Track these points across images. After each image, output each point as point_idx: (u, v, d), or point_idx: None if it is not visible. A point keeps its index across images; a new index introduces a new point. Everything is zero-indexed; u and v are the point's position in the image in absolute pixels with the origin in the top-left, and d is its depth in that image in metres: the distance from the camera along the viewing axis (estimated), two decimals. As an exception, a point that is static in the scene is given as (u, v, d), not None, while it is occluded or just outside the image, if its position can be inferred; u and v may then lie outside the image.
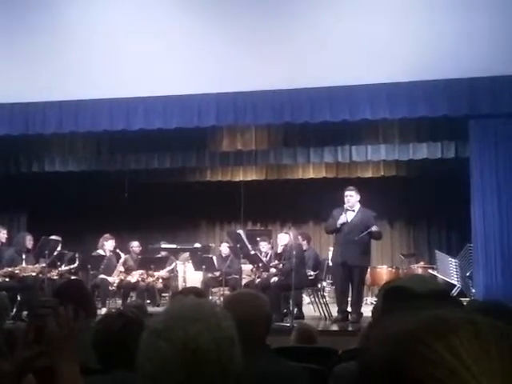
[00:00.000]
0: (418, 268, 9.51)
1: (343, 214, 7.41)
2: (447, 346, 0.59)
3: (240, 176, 11.03)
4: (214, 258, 9.19)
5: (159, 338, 1.16)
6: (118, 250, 8.96)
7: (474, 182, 7.43)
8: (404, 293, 1.40)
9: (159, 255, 9.45)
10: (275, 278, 7.74)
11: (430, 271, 9.18)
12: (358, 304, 7.33)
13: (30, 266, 7.98)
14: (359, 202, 7.59)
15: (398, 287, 1.47)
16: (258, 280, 8.10)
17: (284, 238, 8.11)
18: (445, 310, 0.64)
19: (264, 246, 8.84)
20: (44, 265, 7.96)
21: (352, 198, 7.45)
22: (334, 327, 7.22)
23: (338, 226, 7.43)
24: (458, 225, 10.44)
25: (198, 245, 10.21)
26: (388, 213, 11.26)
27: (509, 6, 7.06)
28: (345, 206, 7.44)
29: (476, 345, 0.59)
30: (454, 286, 8.33)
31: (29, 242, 8.27)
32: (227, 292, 8.44)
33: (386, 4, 7.37)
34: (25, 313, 7.38)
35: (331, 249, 9.75)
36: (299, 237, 8.47)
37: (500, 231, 7.22)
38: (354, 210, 7.46)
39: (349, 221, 7.39)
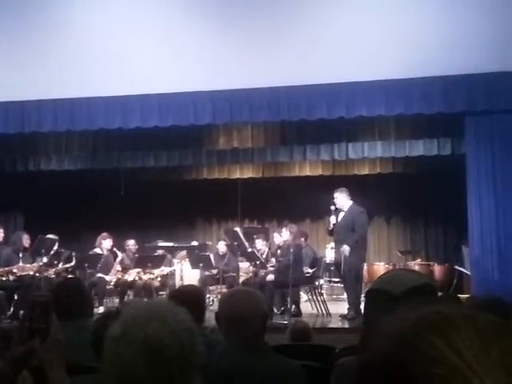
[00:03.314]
0: (415, 265, 9.52)
1: (332, 216, 7.62)
2: (448, 343, 0.59)
3: (237, 174, 11.02)
4: (211, 256, 9.18)
5: (119, 344, 1.17)
6: (114, 249, 8.95)
7: (470, 178, 7.44)
8: (381, 295, 1.41)
9: (156, 253, 9.44)
10: (272, 276, 7.75)
11: (457, 267, 9.21)
12: (354, 301, 7.35)
13: (28, 265, 7.97)
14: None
15: (375, 290, 1.47)
16: (255, 278, 8.11)
17: (283, 235, 8.16)
18: (446, 307, 0.64)
19: (260, 244, 8.85)
20: (41, 264, 7.94)
21: (337, 199, 7.61)
22: (333, 324, 7.24)
23: (330, 228, 7.71)
24: (454, 221, 10.46)
25: (195, 243, 10.21)
26: (385, 210, 11.28)
27: (504, 2, 7.06)
28: (332, 207, 7.57)
29: (477, 341, 0.58)
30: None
31: (26, 241, 8.26)
32: (224, 290, 8.45)
33: (381, 1, 7.37)
34: (22, 312, 7.37)
35: (328, 246, 9.81)
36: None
37: (496, 227, 7.23)
38: (344, 210, 7.57)
39: (338, 221, 7.52)
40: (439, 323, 0.61)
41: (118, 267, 8.82)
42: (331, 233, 7.82)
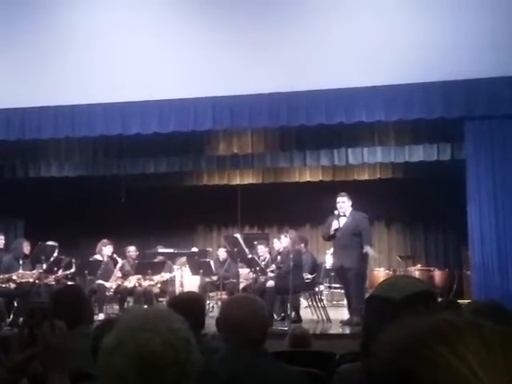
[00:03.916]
0: (416, 270, 9.51)
1: (335, 221, 7.52)
2: (454, 351, 0.59)
3: (237, 180, 11.03)
4: (212, 263, 9.17)
5: (112, 355, 1.17)
6: (115, 255, 8.93)
7: (470, 183, 7.44)
8: (381, 302, 1.40)
9: (156, 260, 9.43)
10: (272, 282, 7.74)
11: (466, 272, 9.17)
12: (359, 307, 7.31)
13: (28, 272, 7.96)
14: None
15: (375, 296, 1.47)
16: (255, 284, 8.10)
17: (282, 241, 8.14)
18: (450, 314, 0.64)
19: (262, 250, 8.85)
20: (41, 270, 7.93)
21: (344, 204, 7.58)
22: (333, 330, 7.23)
23: (332, 232, 7.56)
24: (454, 226, 10.46)
25: (195, 249, 10.19)
26: (385, 215, 11.28)
27: (504, 7, 7.08)
28: (335, 212, 7.53)
29: (482, 349, 0.59)
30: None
31: (26, 247, 8.26)
32: (225, 296, 8.43)
33: (382, 7, 7.38)
34: (21, 319, 7.34)
35: (328, 252, 9.79)
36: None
37: (496, 232, 7.23)
38: (345, 215, 7.55)
39: (341, 226, 7.48)
40: (445, 331, 0.61)
41: (119, 273, 8.80)
42: (331, 238, 7.74)
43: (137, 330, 1.18)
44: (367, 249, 7.37)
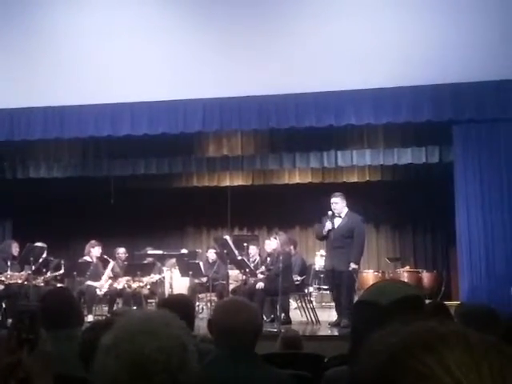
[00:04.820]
0: (404, 272, 9.55)
1: (328, 221, 7.43)
2: (438, 360, 0.59)
3: (226, 181, 11.03)
4: (201, 264, 9.15)
5: (108, 355, 1.16)
6: (105, 256, 8.89)
7: (458, 186, 7.50)
8: (368, 307, 1.42)
9: (145, 261, 9.39)
10: (262, 284, 7.75)
11: None
12: (349, 309, 7.30)
13: (16, 274, 7.91)
14: (347, 206, 7.60)
15: (362, 302, 1.48)
16: (244, 285, 8.10)
17: (272, 243, 8.14)
18: (436, 323, 0.64)
19: (252, 252, 8.86)
20: (29, 272, 7.89)
21: (338, 204, 7.47)
22: (322, 332, 7.25)
23: (324, 233, 7.48)
24: (442, 229, 10.52)
25: (184, 251, 10.16)
26: (373, 217, 11.31)
27: (493, 11, 7.14)
28: (329, 212, 7.47)
29: (466, 359, 0.59)
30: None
31: (15, 249, 8.21)
32: (214, 298, 8.44)
33: (371, 10, 7.42)
34: (10, 320, 7.31)
35: (317, 254, 9.81)
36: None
37: (484, 234, 7.29)
38: (341, 216, 7.48)
39: (335, 227, 7.42)
40: (430, 340, 0.61)
41: (110, 274, 8.73)
42: (324, 238, 7.67)
43: (134, 332, 1.17)
44: (353, 266, 7.30)
